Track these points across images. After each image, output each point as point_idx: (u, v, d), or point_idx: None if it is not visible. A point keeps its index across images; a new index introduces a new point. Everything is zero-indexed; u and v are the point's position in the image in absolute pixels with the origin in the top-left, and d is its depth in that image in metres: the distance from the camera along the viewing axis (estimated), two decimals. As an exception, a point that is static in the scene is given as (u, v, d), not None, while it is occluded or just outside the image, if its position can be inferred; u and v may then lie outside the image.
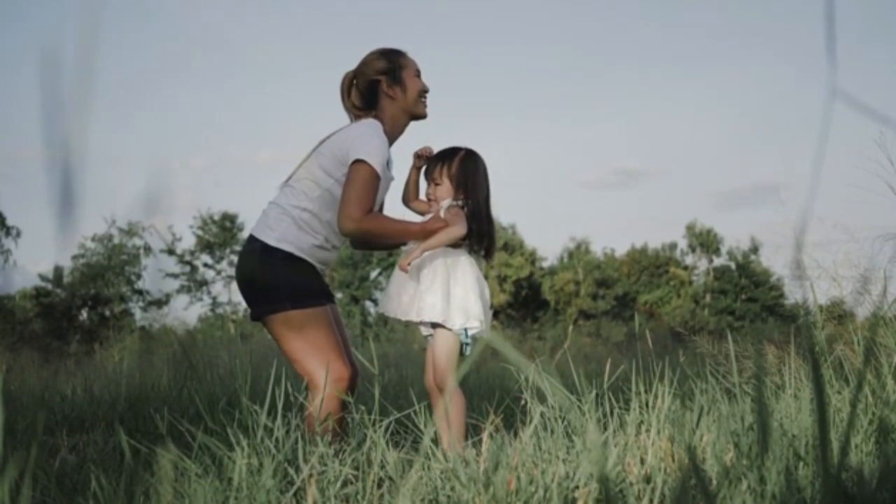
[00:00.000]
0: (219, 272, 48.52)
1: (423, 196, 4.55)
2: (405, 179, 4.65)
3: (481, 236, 4.33)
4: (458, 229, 4.21)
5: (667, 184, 67.26)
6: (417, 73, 4.52)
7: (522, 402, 3.45)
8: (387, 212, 4.65)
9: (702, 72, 66.96)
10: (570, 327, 49.90)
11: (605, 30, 67.69)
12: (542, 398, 3.45)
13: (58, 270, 33.72)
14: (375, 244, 4.59)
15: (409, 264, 4.16)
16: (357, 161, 4.13)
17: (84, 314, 33.61)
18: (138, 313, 36.08)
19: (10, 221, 30.56)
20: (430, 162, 4.48)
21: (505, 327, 48.30)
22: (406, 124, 4.52)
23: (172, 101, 63.11)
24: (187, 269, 47.76)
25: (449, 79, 58.68)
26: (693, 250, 54.34)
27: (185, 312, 47.18)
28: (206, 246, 48.21)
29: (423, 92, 4.51)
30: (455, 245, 4.29)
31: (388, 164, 4.31)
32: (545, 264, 53.43)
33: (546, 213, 67.95)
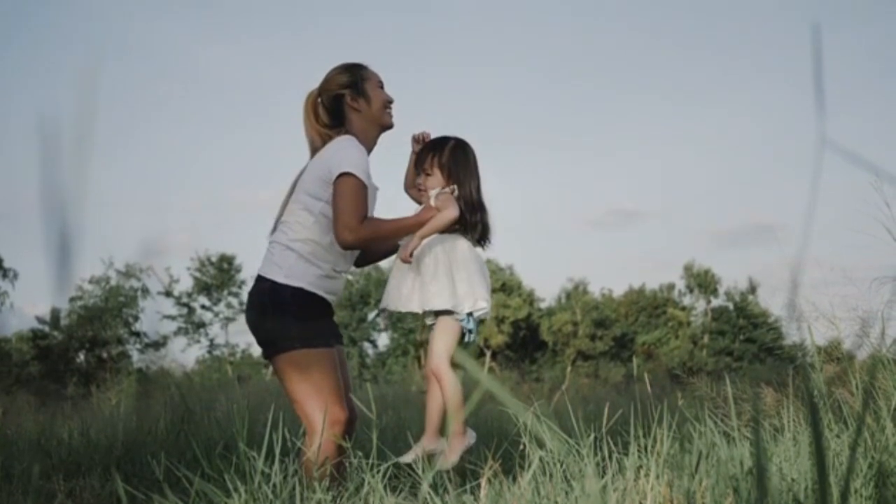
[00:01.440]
0: (216, 314, 48.49)
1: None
2: (406, 166, 4.67)
3: (475, 224, 4.35)
4: (450, 212, 4.22)
5: (664, 224, 67.38)
6: (380, 85, 4.56)
7: (521, 446, 3.44)
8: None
9: (698, 112, 67.29)
10: (569, 368, 49.79)
11: (601, 71, 68.04)
12: (540, 442, 3.44)
13: (55, 313, 33.64)
14: (376, 250, 4.63)
15: (410, 255, 4.17)
16: (341, 175, 4.16)
17: (81, 356, 33.50)
18: (136, 355, 35.96)
19: (7, 263, 30.52)
20: (420, 153, 4.50)
21: (503, 368, 48.20)
22: (377, 136, 4.54)
23: (170, 141, 63.27)
24: (185, 311, 47.71)
25: (445, 116, 58.91)
26: (691, 291, 54.35)
27: (183, 354, 47.12)
28: (203, 288, 48.19)
29: (388, 102, 4.55)
30: (450, 230, 4.30)
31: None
32: (543, 305, 53.44)
33: (544, 253, 68.00)
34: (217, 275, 48.48)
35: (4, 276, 30.39)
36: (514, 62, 67.77)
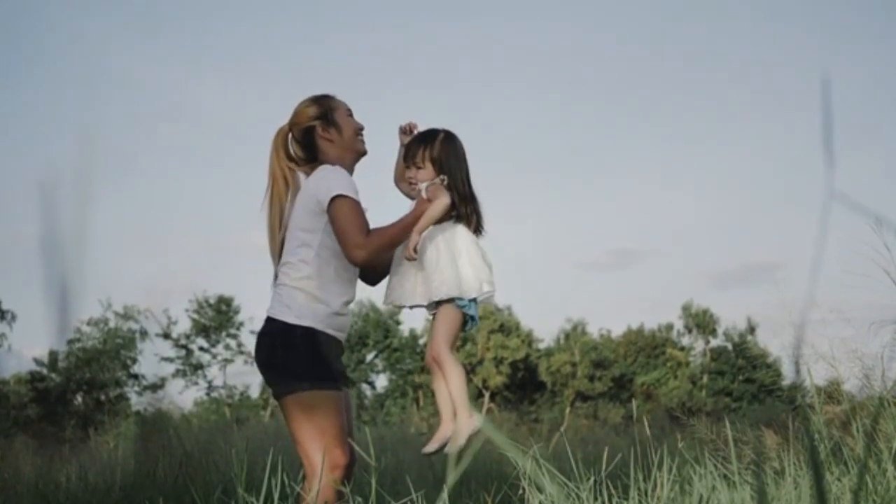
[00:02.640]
0: (214, 356, 48.36)
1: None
2: (396, 159, 4.67)
3: (469, 215, 4.36)
4: (443, 200, 4.22)
5: (662, 264, 67.36)
6: (349, 113, 4.58)
7: (520, 490, 3.42)
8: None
9: (695, 152, 67.45)
10: (567, 409, 49.66)
11: (598, 112, 68.34)
12: (540, 486, 3.42)
13: (53, 355, 33.60)
14: (385, 260, 4.56)
15: (414, 250, 4.15)
16: (333, 199, 4.19)
17: (79, 399, 33.43)
18: (134, 398, 35.89)
19: (4, 305, 30.50)
20: (409, 146, 4.48)
21: (501, 409, 48.08)
22: (353, 164, 4.55)
23: (167, 183, 63.38)
24: (183, 352, 47.60)
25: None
26: (689, 331, 54.28)
27: (181, 397, 46.93)
28: (201, 329, 48.08)
29: (359, 130, 4.57)
30: (446, 219, 4.31)
31: None
32: (541, 346, 53.34)
33: (542, 294, 67.92)
34: (215, 316, 48.39)
35: (2, 318, 30.36)
36: (510, 101, 68.10)
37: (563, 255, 70.98)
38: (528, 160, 67.83)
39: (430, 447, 4.19)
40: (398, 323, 53.81)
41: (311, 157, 4.56)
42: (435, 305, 4.31)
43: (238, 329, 48.49)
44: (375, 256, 4.25)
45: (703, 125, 67.73)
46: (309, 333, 4.23)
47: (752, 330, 52.06)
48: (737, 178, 67.34)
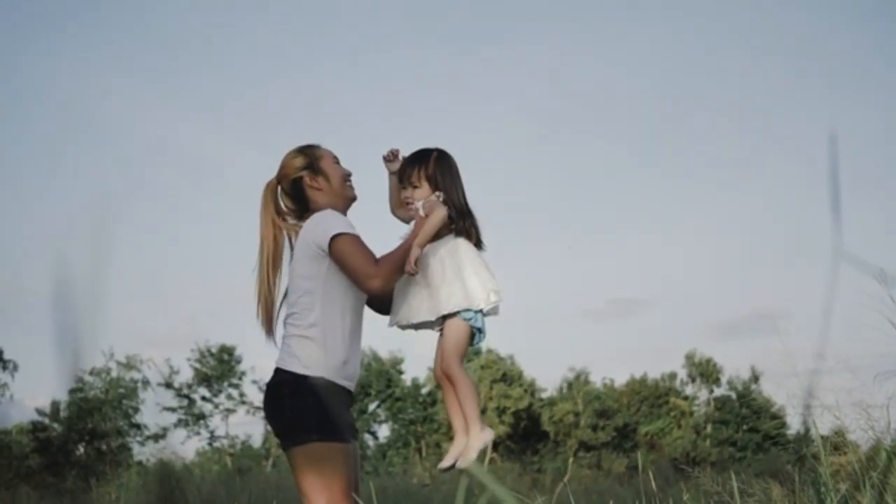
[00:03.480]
0: (217, 406, 48.17)
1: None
2: (388, 189, 4.69)
3: (468, 229, 4.38)
4: (439, 212, 4.24)
5: (665, 313, 67.17)
6: (336, 160, 4.61)
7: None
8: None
9: (696, 201, 67.58)
10: (571, 459, 49.35)
11: (598, 161, 68.53)
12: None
13: (55, 405, 33.47)
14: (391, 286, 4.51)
15: (415, 264, 4.14)
16: (333, 239, 4.20)
17: (81, 449, 33.26)
18: (136, 448, 35.71)
19: (6, 355, 30.44)
20: (404, 167, 4.50)
21: (504, 459, 47.80)
22: (344, 210, 4.57)
23: (169, 231, 63.46)
24: (185, 402, 47.43)
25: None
26: (693, 380, 54.06)
27: (183, 447, 46.69)
28: (203, 379, 47.93)
29: (347, 176, 4.60)
30: (446, 233, 4.34)
31: None
32: (544, 395, 53.09)
33: (544, 343, 67.69)
34: (217, 366, 48.25)
35: (4, 367, 30.29)
36: (509, 151, 68.32)
37: (566, 304, 70.89)
38: (529, 209, 67.94)
39: (445, 463, 4.17)
40: (400, 372, 53.65)
41: (302, 208, 4.58)
42: (442, 321, 4.30)
43: (240, 379, 48.32)
44: (390, 282, 4.25)
45: (705, 174, 67.85)
46: (317, 384, 4.21)
47: (755, 379, 51.92)
48: (738, 227, 67.39)
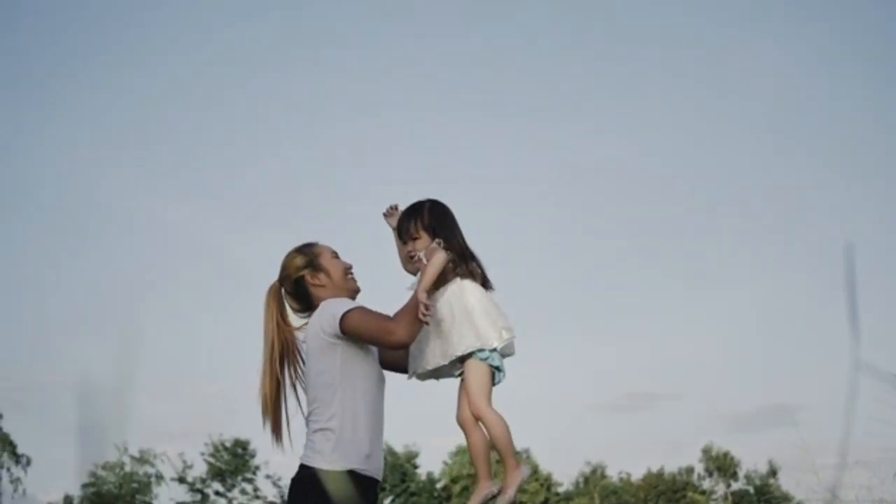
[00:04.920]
0: (230, 500, 47.74)
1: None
2: (395, 247, 4.70)
3: (473, 272, 4.39)
4: (439, 256, 4.25)
5: (681, 406, 66.63)
6: (335, 255, 4.62)
7: None
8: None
9: (713, 294, 67.44)
10: (588, 555, 48.65)
11: (614, 254, 68.59)
12: None
13: (68, 499, 33.30)
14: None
15: (426, 309, 4.05)
16: (342, 318, 4.21)
17: (93, 544, 32.98)
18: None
19: (20, 449, 30.38)
20: (401, 223, 4.54)
21: (521, 555, 47.12)
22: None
23: (183, 325, 63.47)
24: (198, 497, 47.03)
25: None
26: (710, 474, 53.45)
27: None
28: (217, 473, 47.58)
29: (348, 269, 4.61)
30: (451, 277, 4.36)
31: None
32: (561, 490, 52.53)
33: (561, 437, 67.16)
34: (231, 460, 47.92)
35: (17, 462, 30.21)
36: (525, 243, 68.43)
37: (582, 397, 70.53)
38: (544, 302, 67.84)
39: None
40: (415, 467, 53.19)
41: (307, 306, 4.56)
42: (460, 365, 4.31)
43: (254, 473, 47.98)
44: (411, 333, 4.15)
45: (721, 267, 67.84)
46: (341, 477, 4.17)
47: (773, 473, 51.31)
48: (754, 320, 67.15)
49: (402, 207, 4.68)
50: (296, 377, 4.52)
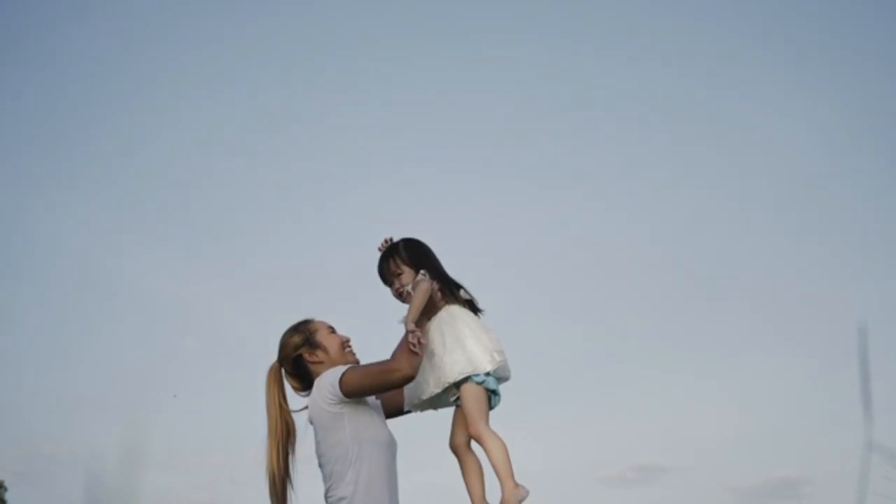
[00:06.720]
0: (234, 575, 47.15)
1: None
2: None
3: (459, 298, 4.41)
4: (422, 285, 4.28)
5: (688, 479, 65.80)
6: (331, 330, 4.61)
7: None
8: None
9: (718, 366, 67.13)
10: None
11: (620, 325, 68.40)
12: None
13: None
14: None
15: (416, 338, 4.07)
16: (340, 382, 4.22)
17: None
18: None
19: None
20: (380, 268, 4.56)
21: None
22: None
23: (188, 395, 63.11)
24: (202, 572, 46.43)
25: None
26: (717, 548, 52.81)
27: None
28: (222, 548, 47.02)
29: (345, 342, 4.58)
30: (440, 306, 4.37)
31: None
32: (569, 565, 51.87)
33: (569, 509, 66.38)
34: (237, 534, 47.42)
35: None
36: (532, 310, 68.28)
37: (586, 470, 69.76)
38: (547, 374, 67.53)
39: None
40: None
41: (307, 384, 4.56)
42: (456, 391, 4.28)
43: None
44: (413, 363, 4.11)
45: (727, 340, 67.55)
46: None
47: (779, 547, 50.69)
48: (759, 393, 66.70)
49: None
50: (294, 458, 4.51)
